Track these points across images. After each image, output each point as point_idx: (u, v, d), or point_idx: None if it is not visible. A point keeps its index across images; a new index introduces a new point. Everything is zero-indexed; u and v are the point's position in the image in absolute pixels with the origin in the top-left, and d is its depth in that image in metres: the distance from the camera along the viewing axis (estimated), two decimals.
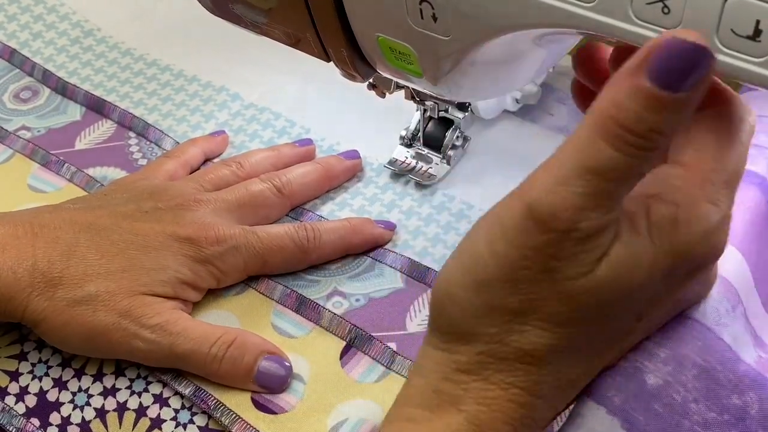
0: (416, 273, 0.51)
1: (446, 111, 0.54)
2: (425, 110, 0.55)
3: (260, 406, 0.45)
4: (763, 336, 0.36)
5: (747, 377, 0.34)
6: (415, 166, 0.55)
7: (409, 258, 0.51)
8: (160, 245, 0.47)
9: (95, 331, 0.45)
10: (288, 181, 0.53)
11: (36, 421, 0.47)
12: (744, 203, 0.36)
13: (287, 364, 0.46)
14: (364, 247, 0.51)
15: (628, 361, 0.35)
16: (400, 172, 0.55)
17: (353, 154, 0.56)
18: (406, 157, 0.56)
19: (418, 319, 0.48)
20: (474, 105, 0.55)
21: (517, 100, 0.57)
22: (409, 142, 0.55)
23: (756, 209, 0.37)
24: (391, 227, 0.52)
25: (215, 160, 0.57)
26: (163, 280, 0.46)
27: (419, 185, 0.55)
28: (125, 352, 0.46)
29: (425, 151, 0.55)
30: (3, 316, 0.46)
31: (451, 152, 0.55)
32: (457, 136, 0.55)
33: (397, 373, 0.46)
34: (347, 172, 0.55)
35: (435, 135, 0.55)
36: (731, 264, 0.36)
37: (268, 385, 0.46)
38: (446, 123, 0.55)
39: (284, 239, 0.49)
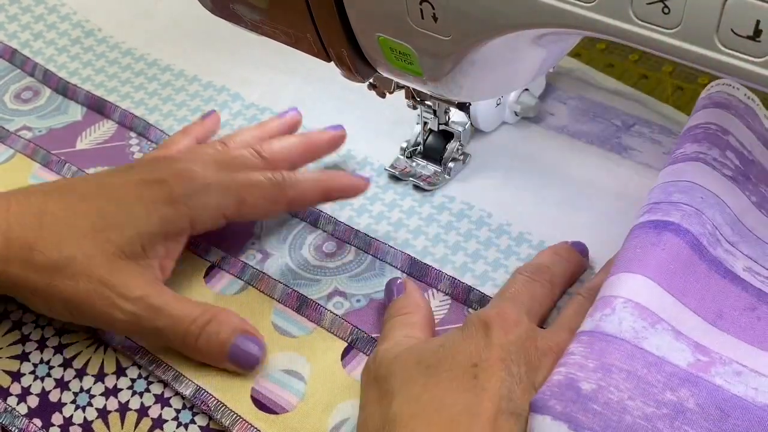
0: (416, 271, 0.51)
1: (446, 124, 0.55)
2: (425, 123, 0.55)
3: (261, 406, 0.46)
4: (708, 344, 0.40)
5: (676, 376, 0.38)
6: (415, 172, 0.55)
7: (410, 255, 0.51)
8: (127, 193, 0.47)
9: (78, 298, 0.45)
10: (269, 146, 0.52)
11: (38, 422, 0.47)
12: (659, 245, 0.42)
13: (261, 344, 0.46)
14: (342, 193, 0.51)
15: (560, 375, 0.39)
16: (400, 177, 0.55)
17: (337, 127, 0.55)
18: (406, 165, 0.56)
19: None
20: (474, 117, 0.55)
21: (516, 113, 0.57)
22: (410, 154, 0.56)
23: (673, 248, 0.42)
24: (366, 179, 0.52)
25: None
26: (131, 236, 0.46)
27: (419, 188, 0.55)
28: (106, 321, 0.46)
29: (425, 163, 0.56)
30: None
31: (451, 164, 0.55)
32: (458, 149, 0.55)
33: None
34: (330, 143, 0.55)
35: (435, 147, 0.55)
36: (644, 292, 0.40)
37: (241, 362, 0.46)
38: (446, 136, 0.55)
39: (258, 177, 0.49)
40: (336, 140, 0.55)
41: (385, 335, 0.45)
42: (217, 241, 0.53)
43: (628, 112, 0.57)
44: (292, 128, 0.56)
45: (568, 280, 0.48)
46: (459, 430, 0.37)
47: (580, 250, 0.49)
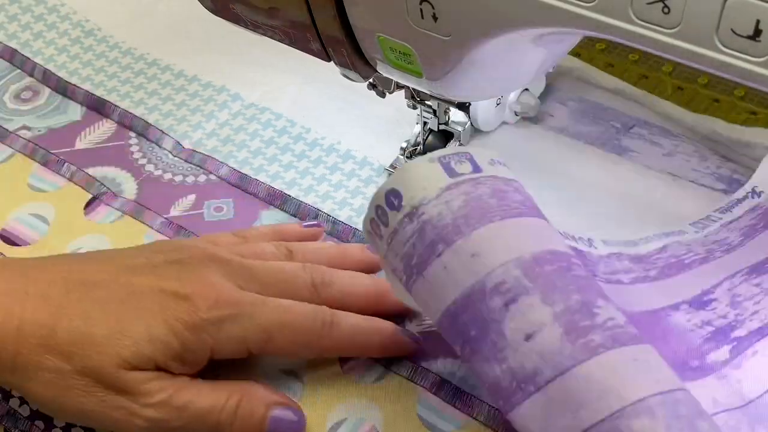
0: None
1: (446, 124, 0.55)
2: (425, 123, 0.55)
3: None
4: None
5: None
6: None
7: None
8: (151, 304, 0.42)
9: (89, 409, 0.42)
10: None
11: (41, 424, 0.47)
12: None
13: (298, 410, 0.44)
14: (383, 352, 0.46)
15: None
16: None
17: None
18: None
19: (417, 319, 0.48)
20: (474, 117, 0.55)
21: (516, 113, 0.57)
22: (410, 154, 0.56)
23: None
24: (417, 340, 0.46)
25: None
26: (146, 356, 0.42)
27: None
28: (125, 429, 0.43)
29: None
30: None
31: None
32: None
33: (396, 373, 0.46)
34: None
35: (435, 147, 0.55)
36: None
37: None
38: (446, 135, 0.55)
39: (297, 315, 0.43)
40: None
41: None
42: None
43: (627, 113, 0.57)
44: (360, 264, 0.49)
45: None
46: None
47: None
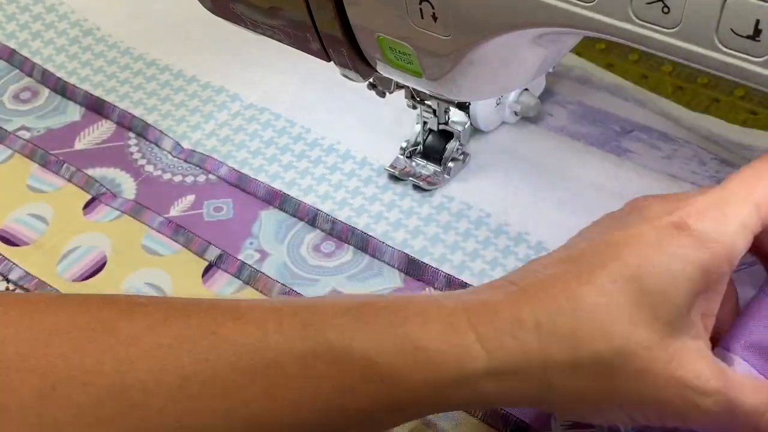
0: (414, 270, 0.51)
1: (446, 123, 0.55)
2: (425, 122, 0.55)
3: None
4: None
5: None
6: (415, 172, 0.55)
7: (407, 254, 0.51)
8: (650, 249, 0.37)
9: (643, 399, 0.37)
10: None
11: None
12: None
13: None
14: None
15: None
16: (400, 177, 0.55)
17: None
18: (406, 165, 0.56)
19: None
20: (473, 117, 0.55)
21: (516, 113, 0.57)
22: (409, 154, 0.56)
23: None
24: None
25: None
26: (677, 305, 0.37)
27: (419, 188, 0.55)
28: (681, 419, 0.38)
29: (424, 162, 0.55)
30: (505, 399, 0.38)
31: (451, 164, 0.55)
32: (458, 149, 0.55)
33: None
34: None
35: (435, 147, 0.55)
36: None
37: None
38: (446, 135, 0.55)
39: (764, 174, 0.39)
40: None
41: None
42: (215, 240, 0.53)
43: (626, 117, 0.57)
44: None
45: None
46: None
47: None
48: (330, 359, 0.36)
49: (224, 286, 0.51)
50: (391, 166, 0.56)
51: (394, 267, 0.51)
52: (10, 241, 0.55)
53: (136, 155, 0.59)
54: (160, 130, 0.60)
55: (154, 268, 0.53)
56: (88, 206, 0.56)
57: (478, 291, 0.39)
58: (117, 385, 0.35)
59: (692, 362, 0.36)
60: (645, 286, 0.36)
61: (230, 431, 0.36)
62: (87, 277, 0.53)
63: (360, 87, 0.51)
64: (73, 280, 0.52)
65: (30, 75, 0.65)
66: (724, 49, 0.34)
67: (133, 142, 0.60)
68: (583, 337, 0.36)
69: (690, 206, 0.38)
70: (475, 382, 0.36)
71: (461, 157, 0.55)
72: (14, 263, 0.53)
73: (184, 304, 0.38)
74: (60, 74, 0.64)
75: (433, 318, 0.36)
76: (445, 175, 0.55)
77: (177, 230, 0.54)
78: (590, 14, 0.36)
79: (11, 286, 0.53)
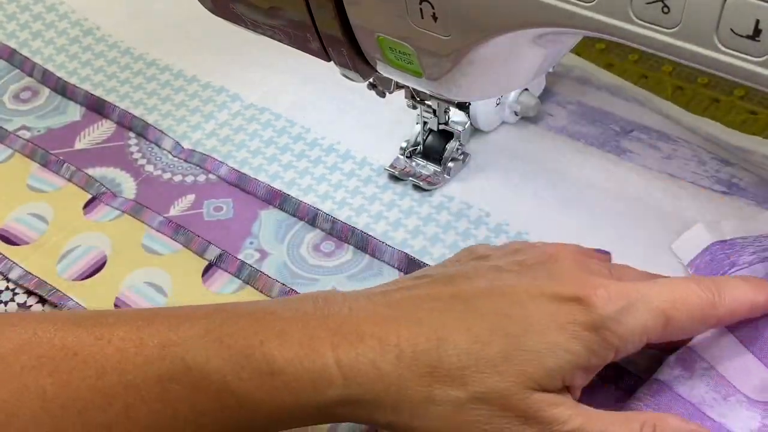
0: (414, 270, 0.50)
1: (446, 123, 0.55)
2: (425, 122, 0.55)
3: None
4: None
5: None
6: (415, 172, 0.55)
7: (406, 253, 0.51)
8: (541, 312, 0.37)
9: None
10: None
11: None
12: None
13: None
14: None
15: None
16: (400, 176, 0.55)
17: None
18: (406, 165, 0.56)
19: None
20: (473, 117, 0.55)
21: (515, 113, 0.57)
22: (409, 154, 0.56)
23: None
24: None
25: None
26: (551, 370, 0.36)
27: (419, 188, 0.55)
28: None
29: (424, 162, 0.55)
30: (358, 421, 0.38)
31: (451, 164, 0.55)
32: (458, 149, 0.55)
33: None
34: None
35: (435, 147, 0.55)
36: (734, 363, 0.40)
37: None
38: (446, 135, 0.55)
39: (686, 289, 0.38)
40: None
41: None
42: (215, 240, 0.53)
43: (626, 117, 0.57)
44: None
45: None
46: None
47: None
48: (187, 382, 0.36)
49: (224, 286, 0.51)
50: (391, 166, 0.56)
51: (393, 267, 0.51)
52: (10, 241, 0.55)
53: (137, 155, 0.59)
54: (161, 130, 0.60)
55: (154, 268, 0.53)
56: (88, 206, 0.56)
57: (363, 300, 0.39)
58: None
59: (548, 408, 0.36)
60: (524, 344, 0.36)
61: None
62: (87, 277, 0.53)
63: (360, 87, 0.52)
64: (73, 280, 0.52)
65: (30, 75, 0.65)
66: (724, 49, 0.34)
67: (133, 141, 0.60)
68: (440, 377, 0.36)
69: (602, 287, 0.37)
70: (330, 406, 0.36)
71: (461, 157, 0.55)
72: (14, 262, 0.53)
73: (52, 321, 0.38)
74: (60, 74, 0.64)
75: (294, 338, 0.36)
76: (445, 175, 0.55)
77: (177, 230, 0.54)
78: (590, 14, 0.36)
79: (11, 285, 0.53)
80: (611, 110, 0.58)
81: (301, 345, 0.36)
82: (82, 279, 0.52)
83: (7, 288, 0.53)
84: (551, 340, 0.36)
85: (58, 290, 0.52)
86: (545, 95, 0.58)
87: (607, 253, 0.44)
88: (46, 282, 0.52)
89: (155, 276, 0.52)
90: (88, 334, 0.37)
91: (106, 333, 0.37)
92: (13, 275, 0.53)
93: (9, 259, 0.53)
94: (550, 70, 0.56)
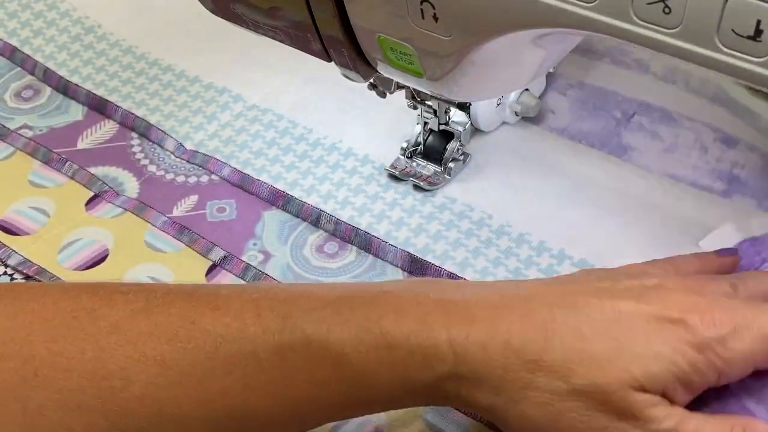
0: (416, 269, 0.51)
1: (447, 124, 0.55)
2: (426, 123, 0.55)
3: None
4: None
5: None
6: (416, 172, 0.55)
7: (409, 252, 0.51)
8: (647, 327, 0.38)
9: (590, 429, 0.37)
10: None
11: None
12: None
13: None
14: None
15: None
16: (401, 177, 0.55)
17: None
18: (407, 165, 0.56)
19: None
20: (474, 117, 0.55)
21: (516, 113, 0.57)
22: (410, 154, 0.56)
23: None
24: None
25: None
26: (654, 373, 0.37)
27: (419, 188, 0.55)
28: None
29: (425, 163, 0.56)
30: (462, 402, 0.38)
31: (451, 164, 0.55)
32: (458, 149, 0.55)
33: None
34: None
35: (436, 147, 0.55)
36: None
37: None
38: (447, 135, 0.55)
39: None
40: None
41: None
42: (218, 241, 0.53)
43: (628, 95, 0.57)
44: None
45: None
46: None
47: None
48: (306, 353, 0.37)
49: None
50: (392, 166, 0.56)
51: (397, 267, 0.51)
52: (10, 231, 0.55)
53: (139, 155, 0.59)
54: (163, 131, 0.60)
55: (157, 264, 0.53)
56: (90, 203, 0.56)
57: (474, 288, 0.40)
58: (98, 371, 0.36)
59: (644, 408, 0.36)
60: (630, 349, 0.37)
61: (207, 420, 0.37)
62: (87, 268, 0.52)
63: (361, 87, 0.52)
64: (74, 269, 0.52)
65: (32, 73, 0.65)
66: (725, 50, 0.34)
67: (136, 142, 0.60)
68: (544, 367, 0.37)
69: (709, 311, 0.38)
70: (439, 381, 0.37)
71: (462, 158, 0.56)
72: (13, 250, 0.53)
73: (165, 292, 0.39)
74: (61, 72, 0.64)
75: (409, 316, 0.37)
76: (446, 176, 0.55)
77: (181, 230, 0.54)
78: (591, 15, 0.36)
79: (9, 271, 0.52)
80: (614, 89, 0.57)
81: (416, 322, 0.37)
82: (83, 269, 0.52)
83: (5, 273, 0.52)
84: (657, 349, 0.37)
85: (58, 278, 0.52)
86: (547, 79, 0.58)
87: (733, 252, 0.45)
88: (46, 270, 0.52)
89: (158, 272, 0.52)
90: (205, 304, 0.38)
91: (222, 304, 0.38)
92: (11, 261, 0.53)
93: (8, 247, 0.53)
94: (551, 70, 0.56)
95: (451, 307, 0.38)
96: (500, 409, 0.38)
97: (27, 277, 0.52)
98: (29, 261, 0.53)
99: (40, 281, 0.51)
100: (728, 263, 0.45)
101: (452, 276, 0.50)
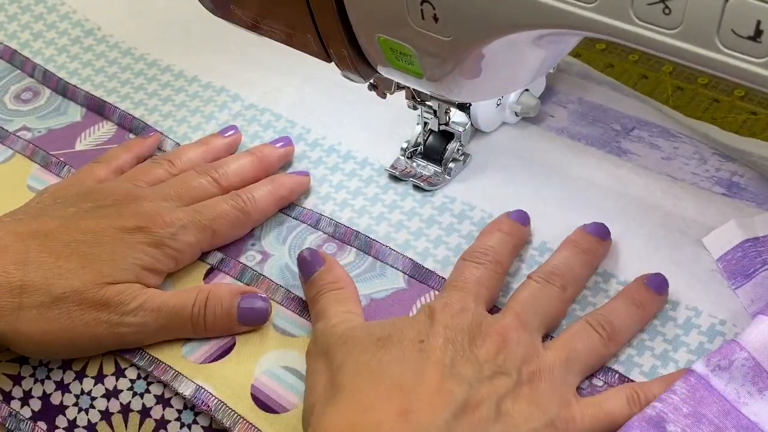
0: (418, 275, 0.50)
1: (447, 124, 0.55)
2: (426, 123, 0.55)
3: (262, 405, 0.45)
4: None
5: None
6: (416, 173, 0.55)
7: (411, 259, 0.51)
8: (111, 239, 0.48)
9: (76, 332, 0.46)
10: (225, 173, 0.53)
11: (43, 425, 0.47)
12: None
13: (264, 297, 0.48)
14: (292, 195, 0.54)
15: (654, 410, 0.40)
16: (401, 177, 0.55)
17: (286, 141, 0.57)
18: (407, 165, 0.56)
19: None
20: (474, 118, 0.55)
21: (516, 113, 0.57)
22: (410, 154, 0.56)
23: None
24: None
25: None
26: (124, 268, 0.47)
27: (419, 188, 0.55)
28: (114, 342, 0.47)
29: (425, 163, 0.56)
30: None
31: (451, 164, 0.55)
32: (458, 150, 0.55)
33: None
34: (281, 159, 0.56)
35: (436, 148, 0.55)
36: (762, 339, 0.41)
37: (253, 319, 0.48)
38: (447, 136, 0.55)
39: (224, 206, 0.51)
40: (286, 157, 0.56)
41: (323, 311, 0.46)
42: None
43: (627, 113, 0.57)
44: (234, 148, 0.58)
45: (512, 255, 0.49)
46: (405, 395, 0.40)
47: (521, 220, 0.50)
48: None
49: None
50: (392, 166, 0.56)
51: (398, 269, 0.51)
52: None
53: None
54: (161, 132, 0.60)
55: None
56: None
57: None
58: None
59: (117, 295, 0.47)
60: (99, 256, 0.47)
61: None
62: None
63: (361, 88, 0.52)
64: None
65: (31, 75, 0.65)
66: (725, 50, 0.34)
67: None
68: (27, 290, 0.45)
69: (158, 217, 0.49)
70: None
71: (462, 158, 0.56)
72: None
73: None
74: (61, 74, 0.64)
75: None
76: (446, 176, 0.55)
77: None
78: (591, 15, 0.36)
79: None
80: (612, 106, 0.58)
81: None
82: None
83: None
84: (121, 251, 0.47)
85: None
86: (546, 94, 0.58)
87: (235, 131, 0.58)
88: None
89: None
90: None
91: None
92: None
93: None
94: (551, 70, 0.56)
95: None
96: (8, 334, 0.45)
97: None
98: None
99: None
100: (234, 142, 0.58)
101: None
